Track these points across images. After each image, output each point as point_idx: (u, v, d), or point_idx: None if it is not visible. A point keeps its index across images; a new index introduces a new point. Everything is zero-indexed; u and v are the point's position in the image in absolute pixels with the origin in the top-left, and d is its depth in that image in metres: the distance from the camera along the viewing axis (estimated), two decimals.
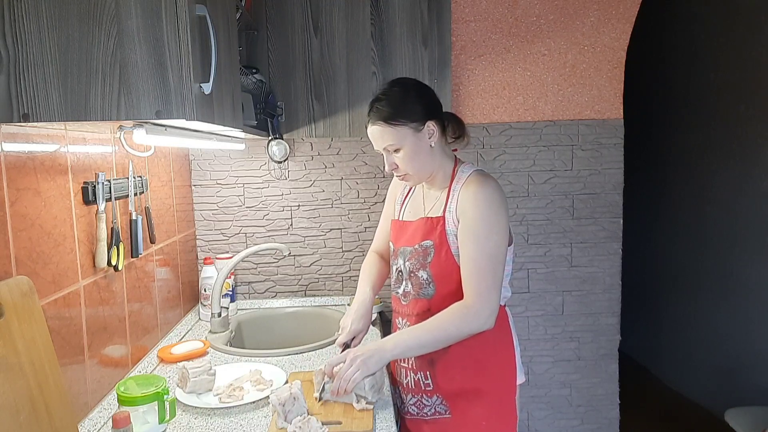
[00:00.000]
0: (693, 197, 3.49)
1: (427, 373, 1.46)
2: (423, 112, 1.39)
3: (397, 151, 1.39)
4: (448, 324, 1.35)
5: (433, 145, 1.41)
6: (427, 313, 1.43)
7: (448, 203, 1.42)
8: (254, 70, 2.00)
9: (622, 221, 2.43)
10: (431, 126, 1.40)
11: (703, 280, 3.41)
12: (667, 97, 3.75)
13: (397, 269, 1.52)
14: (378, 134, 1.40)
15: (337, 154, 2.34)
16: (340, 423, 1.29)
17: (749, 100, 2.99)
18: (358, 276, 2.37)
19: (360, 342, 1.54)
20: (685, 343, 3.59)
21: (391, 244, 1.57)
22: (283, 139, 2.18)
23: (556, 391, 2.49)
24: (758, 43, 2.90)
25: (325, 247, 2.39)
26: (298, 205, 2.36)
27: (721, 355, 3.25)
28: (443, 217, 1.42)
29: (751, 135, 2.98)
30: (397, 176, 1.46)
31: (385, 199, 1.71)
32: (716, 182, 3.27)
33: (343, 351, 1.48)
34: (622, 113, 2.38)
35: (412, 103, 1.39)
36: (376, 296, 1.63)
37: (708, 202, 3.35)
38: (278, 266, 2.39)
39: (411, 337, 1.36)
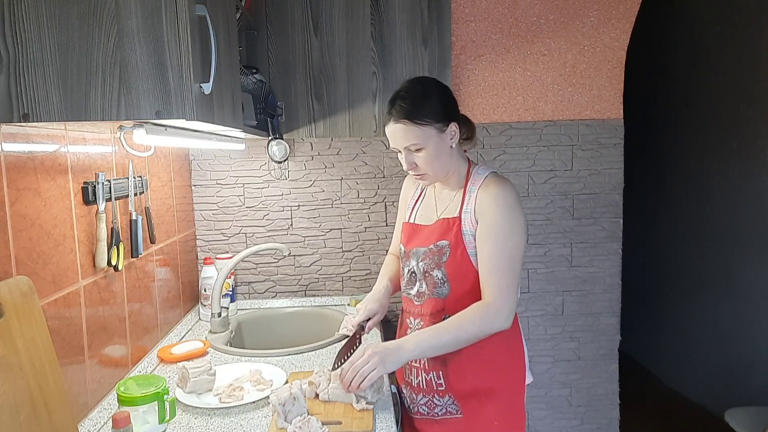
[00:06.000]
0: (693, 197, 3.49)
1: (440, 372, 1.46)
2: (446, 113, 1.40)
3: (418, 150, 1.38)
4: (467, 323, 1.35)
5: (453, 146, 1.42)
6: (441, 312, 1.43)
7: (465, 204, 1.42)
8: (254, 70, 2.00)
9: (622, 221, 2.43)
10: (454, 127, 1.41)
11: (703, 280, 3.41)
12: (667, 97, 3.75)
13: (409, 270, 1.52)
14: (401, 133, 1.37)
15: (337, 154, 2.34)
16: (340, 423, 1.29)
17: (749, 100, 2.99)
18: (358, 276, 2.39)
19: (375, 325, 1.56)
20: (685, 343, 3.59)
21: (401, 246, 1.57)
22: (283, 139, 2.17)
23: (556, 391, 2.49)
24: (758, 43, 2.90)
25: (325, 247, 2.39)
26: (298, 205, 2.36)
27: (721, 355, 3.25)
28: (459, 217, 1.42)
29: (751, 135, 2.98)
30: (414, 175, 1.46)
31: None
32: (716, 182, 3.27)
33: (357, 332, 1.50)
34: (622, 113, 2.38)
35: (436, 102, 1.38)
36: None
37: (708, 202, 3.35)
38: (278, 266, 2.39)
39: (431, 336, 1.36)
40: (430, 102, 1.37)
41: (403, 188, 1.69)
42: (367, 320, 1.54)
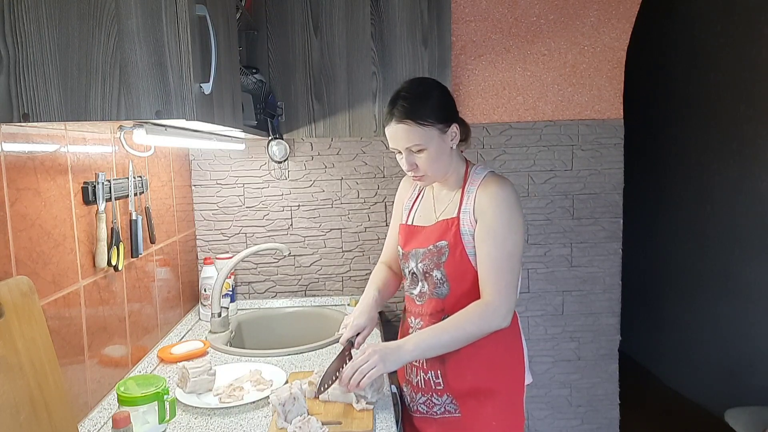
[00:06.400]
0: (693, 197, 3.49)
1: (438, 372, 1.46)
2: (447, 114, 1.40)
3: (420, 151, 1.38)
4: (466, 322, 1.35)
5: (453, 147, 1.42)
6: (440, 312, 1.44)
7: (463, 204, 1.42)
8: (254, 70, 2.00)
9: (622, 221, 2.43)
10: (455, 128, 1.41)
11: (703, 280, 3.41)
12: (667, 97, 3.75)
13: (410, 272, 1.52)
14: (403, 133, 1.36)
15: (337, 154, 2.34)
16: (340, 423, 1.29)
17: (749, 100, 2.99)
18: (358, 276, 2.39)
19: (364, 340, 1.52)
20: (685, 343, 3.59)
21: (399, 248, 1.56)
22: (283, 139, 2.17)
23: (556, 391, 2.49)
24: (758, 43, 2.90)
25: (325, 247, 2.39)
26: (298, 205, 2.36)
27: (721, 355, 3.25)
28: (458, 217, 1.42)
29: (751, 135, 2.98)
30: (413, 176, 1.45)
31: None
32: (716, 182, 3.27)
33: (346, 348, 1.47)
34: (622, 113, 2.38)
35: (437, 103, 1.38)
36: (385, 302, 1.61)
37: (708, 202, 3.35)
38: (278, 266, 2.39)
39: (431, 336, 1.36)
40: (431, 102, 1.37)
41: (398, 190, 1.67)
42: (356, 335, 1.50)
